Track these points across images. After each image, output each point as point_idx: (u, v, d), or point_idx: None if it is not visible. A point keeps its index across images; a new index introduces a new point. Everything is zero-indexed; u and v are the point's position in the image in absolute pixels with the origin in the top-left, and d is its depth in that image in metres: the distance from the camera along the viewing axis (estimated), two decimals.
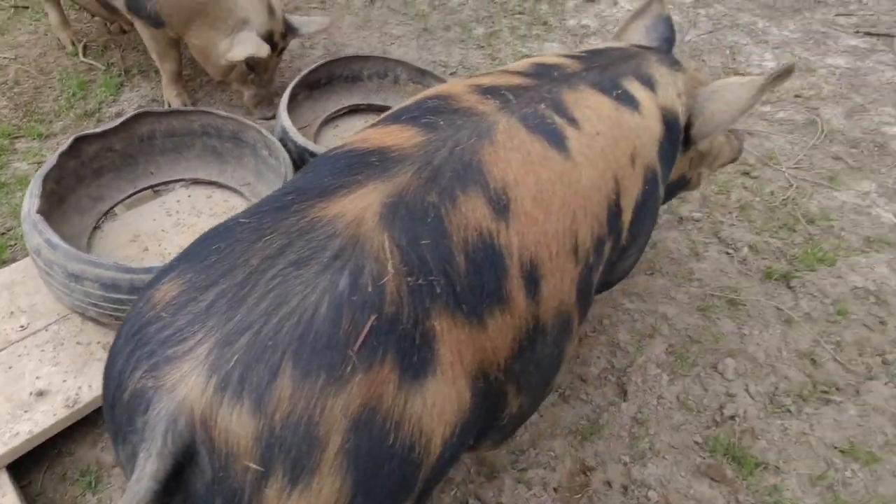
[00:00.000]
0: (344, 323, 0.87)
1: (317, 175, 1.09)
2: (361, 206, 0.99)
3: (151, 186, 2.45)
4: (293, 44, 3.59)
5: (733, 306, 2.37)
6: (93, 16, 3.17)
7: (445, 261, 1.00)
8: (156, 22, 2.66)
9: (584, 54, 1.57)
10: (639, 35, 1.83)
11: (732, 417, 2.02)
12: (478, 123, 1.18)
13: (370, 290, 0.91)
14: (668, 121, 1.58)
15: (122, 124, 2.27)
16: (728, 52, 3.73)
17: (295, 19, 2.83)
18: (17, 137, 2.82)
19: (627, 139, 1.41)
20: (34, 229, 1.82)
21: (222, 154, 2.47)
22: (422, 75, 2.78)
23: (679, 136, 1.66)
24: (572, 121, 1.29)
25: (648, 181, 1.49)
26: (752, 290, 2.44)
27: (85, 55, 3.30)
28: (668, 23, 1.83)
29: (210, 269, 0.93)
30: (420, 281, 0.96)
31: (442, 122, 1.18)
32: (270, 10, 2.67)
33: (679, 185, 1.90)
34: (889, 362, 2.18)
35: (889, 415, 2.04)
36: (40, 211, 1.88)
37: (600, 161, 1.31)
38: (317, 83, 2.79)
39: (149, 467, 0.80)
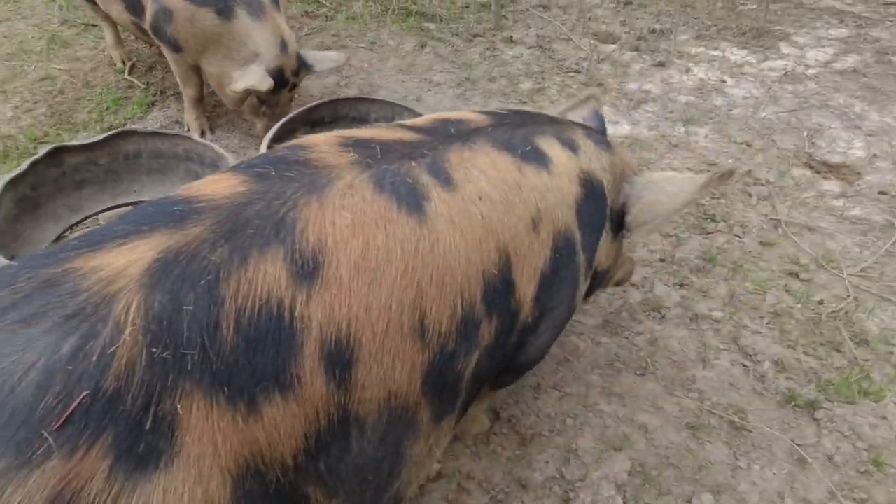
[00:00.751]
0: (50, 395, 0.72)
1: (122, 221, 0.95)
2: (126, 260, 0.83)
3: (132, 203, 2.44)
4: (329, 80, 3.58)
5: (735, 430, 1.95)
6: (136, 38, 3.31)
7: (207, 331, 0.82)
8: (175, 47, 2.71)
9: (502, 112, 1.41)
10: None
11: None
12: (315, 177, 1.01)
13: (94, 359, 0.75)
14: (590, 184, 1.41)
15: (104, 140, 2.28)
16: (806, 133, 3.28)
17: (311, 55, 2.78)
18: (42, 142, 2.94)
19: (527, 203, 1.23)
20: None
21: None
22: None
23: (604, 204, 1.48)
24: (447, 182, 1.11)
25: (560, 248, 1.30)
26: (765, 414, 1.99)
27: (130, 73, 3.45)
28: (600, 119, 1.75)
29: None
30: (166, 354, 0.79)
31: (274, 173, 1.02)
32: (283, 46, 2.64)
33: (598, 278, 1.66)
34: None
35: None
36: (7, 214, 1.90)
37: (478, 229, 1.12)
38: (320, 121, 2.71)
39: None
